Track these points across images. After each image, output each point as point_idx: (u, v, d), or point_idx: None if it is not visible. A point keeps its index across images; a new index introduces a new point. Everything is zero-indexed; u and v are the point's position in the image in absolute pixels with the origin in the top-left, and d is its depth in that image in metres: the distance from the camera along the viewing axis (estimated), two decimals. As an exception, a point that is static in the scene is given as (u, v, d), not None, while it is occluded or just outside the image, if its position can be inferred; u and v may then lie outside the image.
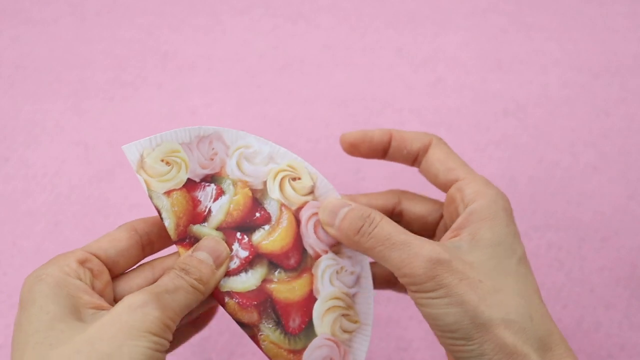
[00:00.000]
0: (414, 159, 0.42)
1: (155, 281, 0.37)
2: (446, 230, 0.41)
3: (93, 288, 0.35)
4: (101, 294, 0.35)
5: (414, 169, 0.43)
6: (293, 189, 0.39)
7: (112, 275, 0.37)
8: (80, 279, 0.34)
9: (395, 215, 0.43)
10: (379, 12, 0.69)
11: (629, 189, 0.59)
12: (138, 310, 0.32)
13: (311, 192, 0.39)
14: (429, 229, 0.43)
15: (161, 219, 0.37)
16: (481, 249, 0.35)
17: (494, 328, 0.33)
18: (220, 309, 0.41)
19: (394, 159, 0.43)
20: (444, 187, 0.40)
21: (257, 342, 0.37)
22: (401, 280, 0.35)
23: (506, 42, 0.67)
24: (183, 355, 0.51)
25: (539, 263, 0.55)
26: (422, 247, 0.34)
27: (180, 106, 0.63)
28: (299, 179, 0.39)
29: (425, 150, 0.41)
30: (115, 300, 0.37)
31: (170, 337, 0.33)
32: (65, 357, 0.30)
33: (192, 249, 0.37)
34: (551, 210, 0.58)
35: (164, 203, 0.37)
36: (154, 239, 0.38)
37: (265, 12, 0.69)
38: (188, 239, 0.37)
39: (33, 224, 0.57)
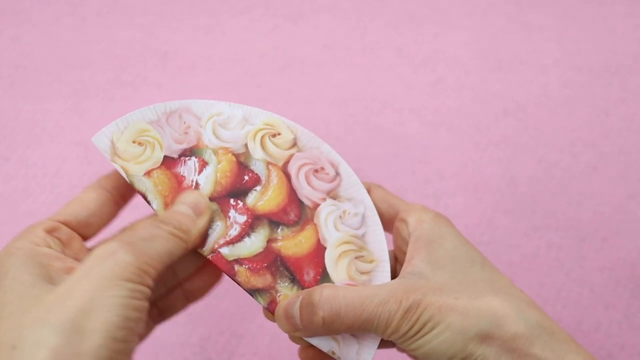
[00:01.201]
0: None
1: None
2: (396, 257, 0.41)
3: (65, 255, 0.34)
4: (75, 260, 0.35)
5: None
6: (275, 145, 0.39)
7: (88, 237, 0.36)
8: (51, 248, 0.33)
9: None
10: (379, 12, 0.69)
11: (629, 189, 0.59)
12: (108, 259, 0.30)
13: (294, 144, 0.39)
14: None
15: (148, 202, 0.37)
16: (442, 269, 0.36)
17: (488, 334, 0.33)
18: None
19: None
20: (388, 222, 0.40)
21: (275, 308, 0.36)
22: (388, 338, 0.35)
23: (506, 42, 0.67)
24: (183, 355, 0.51)
25: (539, 263, 0.55)
26: (398, 300, 0.34)
27: (180, 106, 0.63)
28: (279, 134, 0.39)
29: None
30: None
31: (151, 283, 0.32)
32: (37, 319, 0.29)
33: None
34: (551, 210, 0.58)
35: (147, 185, 0.37)
36: (124, 192, 0.38)
37: (265, 12, 0.69)
38: None
39: (33, 224, 0.57)
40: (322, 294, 0.35)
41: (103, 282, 0.30)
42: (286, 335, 0.37)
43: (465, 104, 0.63)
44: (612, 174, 0.59)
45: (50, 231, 0.34)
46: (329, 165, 0.39)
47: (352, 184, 0.39)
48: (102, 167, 0.59)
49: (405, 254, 0.38)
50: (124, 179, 0.37)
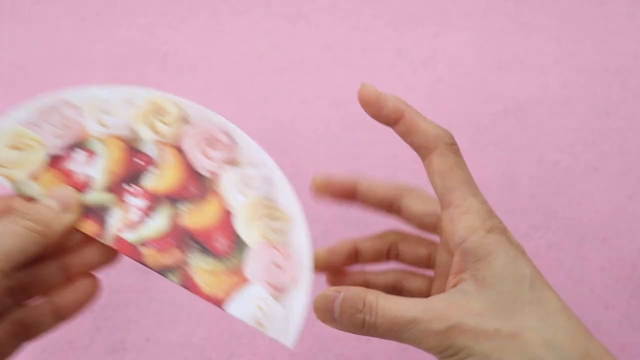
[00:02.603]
0: (418, 153, 0.39)
1: None
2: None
3: None
4: None
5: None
6: (164, 123, 0.38)
7: None
8: None
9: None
10: (379, 12, 0.69)
11: (629, 189, 0.59)
12: None
13: (184, 120, 0.38)
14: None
15: None
16: (487, 290, 0.34)
17: None
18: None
19: (404, 136, 0.39)
20: (439, 202, 0.38)
21: (192, 283, 0.35)
22: (424, 350, 0.35)
23: (506, 42, 0.67)
24: (183, 355, 0.51)
25: (539, 263, 0.55)
26: (430, 321, 0.33)
27: (180, 106, 0.63)
28: (166, 112, 0.38)
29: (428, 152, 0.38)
30: None
31: None
32: None
33: None
34: (551, 210, 0.58)
35: (34, 189, 0.35)
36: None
37: (265, 12, 0.69)
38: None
39: (33, 224, 0.57)
40: (365, 301, 0.34)
41: None
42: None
43: (465, 104, 0.63)
44: (612, 174, 0.59)
45: None
46: (222, 134, 0.38)
47: (249, 148, 0.38)
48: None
49: (449, 252, 0.37)
50: None
